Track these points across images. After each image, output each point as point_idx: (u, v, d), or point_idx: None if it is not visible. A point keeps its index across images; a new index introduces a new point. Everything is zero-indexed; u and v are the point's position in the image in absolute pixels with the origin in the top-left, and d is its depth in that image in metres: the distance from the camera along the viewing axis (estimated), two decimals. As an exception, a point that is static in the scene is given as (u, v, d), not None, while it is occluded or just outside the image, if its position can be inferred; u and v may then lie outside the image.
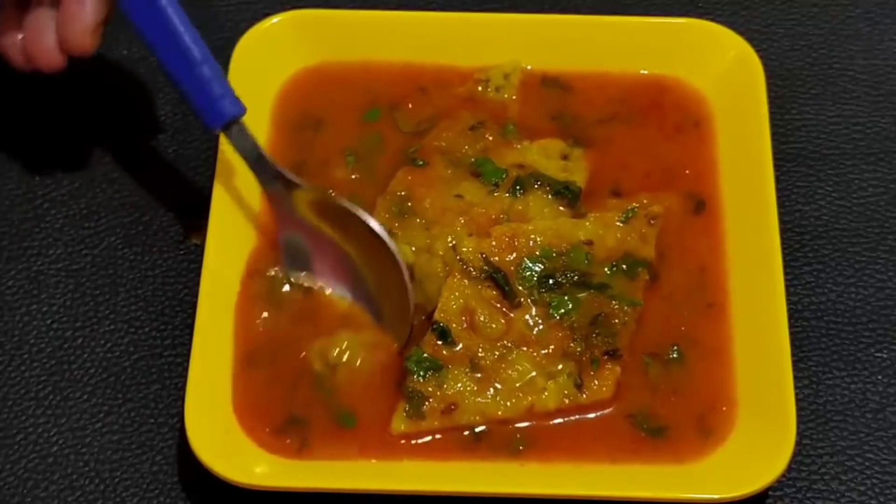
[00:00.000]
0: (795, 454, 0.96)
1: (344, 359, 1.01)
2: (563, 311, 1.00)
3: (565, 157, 1.09)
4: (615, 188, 1.08)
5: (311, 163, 1.09)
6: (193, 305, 1.01)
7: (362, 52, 1.14)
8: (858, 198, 1.12)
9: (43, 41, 1.01)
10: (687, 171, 1.09)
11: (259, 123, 1.10)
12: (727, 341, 1.01)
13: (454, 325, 0.99)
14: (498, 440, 0.98)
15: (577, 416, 0.99)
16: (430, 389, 0.98)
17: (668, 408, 0.99)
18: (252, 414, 0.99)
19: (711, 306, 1.03)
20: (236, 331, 1.02)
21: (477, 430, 0.98)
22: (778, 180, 1.07)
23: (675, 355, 1.01)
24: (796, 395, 0.97)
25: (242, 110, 1.00)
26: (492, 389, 0.98)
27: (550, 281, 1.01)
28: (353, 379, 1.00)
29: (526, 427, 0.98)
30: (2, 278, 1.08)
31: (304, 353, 1.01)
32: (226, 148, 1.06)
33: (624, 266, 1.03)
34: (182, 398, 0.98)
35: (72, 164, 1.13)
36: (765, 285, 1.01)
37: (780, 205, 1.07)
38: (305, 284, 1.03)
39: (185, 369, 0.99)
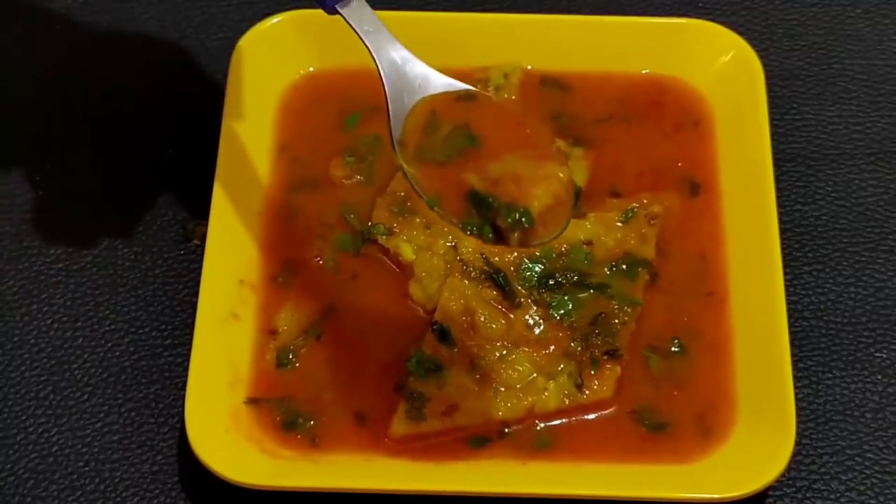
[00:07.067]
0: (795, 454, 0.96)
1: None
2: (563, 311, 1.00)
3: (565, 157, 1.09)
4: (615, 188, 1.08)
5: (312, 162, 1.10)
6: (193, 305, 1.01)
7: (362, 51, 1.13)
8: (858, 198, 1.12)
9: None
10: (682, 165, 1.09)
11: (259, 123, 1.10)
12: (727, 334, 1.01)
13: (454, 326, 0.99)
14: (500, 440, 0.98)
15: (577, 417, 0.99)
16: (430, 390, 0.98)
17: (671, 404, 0.99)
18: (252, 413, 0.99)
19: (711, 295, 1.03)
20: (236, 330, 1.02)
21: (478, 431, 0.98)
22: (778, 180, 1.07)
23: (676, 349, 1.01)
24: (796, 394, 0.97)
25: None
26: (492, 390, 0.98)
27: (550, 281, 1.01)
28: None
29: (527, 427, 0.98)
30: (2, 278, 1.08)
31: (304, 350, 1.01)
32: (226, 147, 1.06)
33: (624, 266, 1.03)
34: (182, 398, 0.98)
35: (72, 163, 1.13)
36: (764, 275, 1.01)
37: (780, 205, 1.07)
38: None
39: (185, 369, 0.99)
